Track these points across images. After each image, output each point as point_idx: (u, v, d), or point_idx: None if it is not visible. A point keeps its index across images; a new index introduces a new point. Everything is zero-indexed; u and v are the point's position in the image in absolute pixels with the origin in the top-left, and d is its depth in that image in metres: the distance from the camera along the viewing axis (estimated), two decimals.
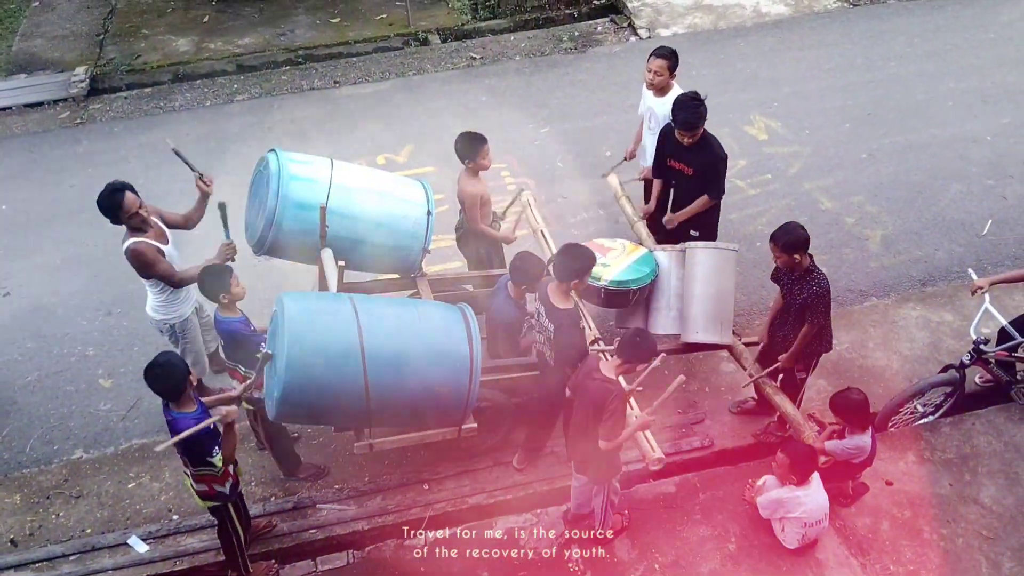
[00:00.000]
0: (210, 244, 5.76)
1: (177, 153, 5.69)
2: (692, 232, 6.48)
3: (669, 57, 6.50)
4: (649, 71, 6.57)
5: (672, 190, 6.64)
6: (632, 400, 5.23)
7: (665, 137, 6.43)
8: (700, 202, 6.39)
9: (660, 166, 6.56)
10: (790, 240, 5.28)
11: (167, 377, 4.51)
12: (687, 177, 6.37)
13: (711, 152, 6.23)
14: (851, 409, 5.25)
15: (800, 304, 5.42)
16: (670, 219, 6.54)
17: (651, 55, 6.57)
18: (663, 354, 4.90)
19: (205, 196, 5.83)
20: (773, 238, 5.34)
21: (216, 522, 5.14)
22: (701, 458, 6.13)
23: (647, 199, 7.15)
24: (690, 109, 6.03)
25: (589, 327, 5.74)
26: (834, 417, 5.38)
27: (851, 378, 6.52)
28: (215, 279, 5.22)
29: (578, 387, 4.97)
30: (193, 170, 5.76)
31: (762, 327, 5.99)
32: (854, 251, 7.73)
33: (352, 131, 9.31)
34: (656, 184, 6.71)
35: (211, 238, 5.82)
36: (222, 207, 5.63)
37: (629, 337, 4.78)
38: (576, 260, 5.15)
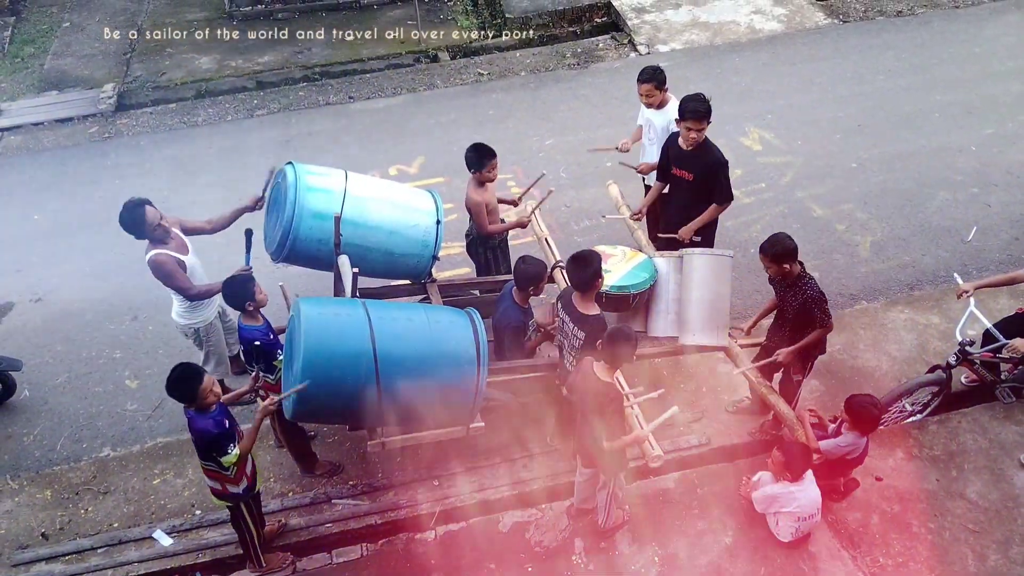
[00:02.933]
0: (231, 253, 5.78)
1: (272, 171, 5.82)
2: (693, 238, 6.44)
3: (652, 78, 6.43)
4: (641, 95, 6.54)
5: (671, 197, 6.54)
6: (633, 399, 5.23)
7: (669, 146, 6.36)
8: (710, 211, 6.29)
9: (665, 173, 6.49)
10: (778, 251, 5.25)
11: (180, 387, 4.56)
12: (687, 183, 6.28)
13: (711, 157, 6.13)
14: (863, 416, 5.18)
15: (795, 310, 5.39)
16: (683, 234, 6.37)
17: (637, 80, 6.50)
18: (662, 389, 4.87)
19: (245, 210, 5.87)
20: (762, 250, 5.31)
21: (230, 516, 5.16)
22: (699, 455, 6.10)
23: (647, 213, 7.11)
24: (699, 101, 5.95)
25: None
26: (845, 414, 5.27)
27: (842, 378, 6.50)
28: (240, 289, 5.23)
29: (576, 388, 4.95)
30: (264, 191, 5.84)
31: (750, 323, 5.97)
32: (844, 256, 7.70)
33: (366, 144, 9.33)
34: (655, 188, 6.65)
35: (232, 247, 5.84)
36: (248, 233, 5.68)
37: (608, 344, 4.71)
38: (588, 266, 5.09)
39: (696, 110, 5.93)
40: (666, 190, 6.64)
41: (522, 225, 6.46)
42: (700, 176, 6.20)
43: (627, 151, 7.09)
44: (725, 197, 6.27)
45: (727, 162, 6.19)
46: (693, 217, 6.34)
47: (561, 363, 5.48)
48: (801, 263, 5.38)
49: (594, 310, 5.17)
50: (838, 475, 5.53)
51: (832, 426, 5.48)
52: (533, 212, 6.59)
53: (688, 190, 6.32)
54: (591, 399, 4.78)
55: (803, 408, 5.50)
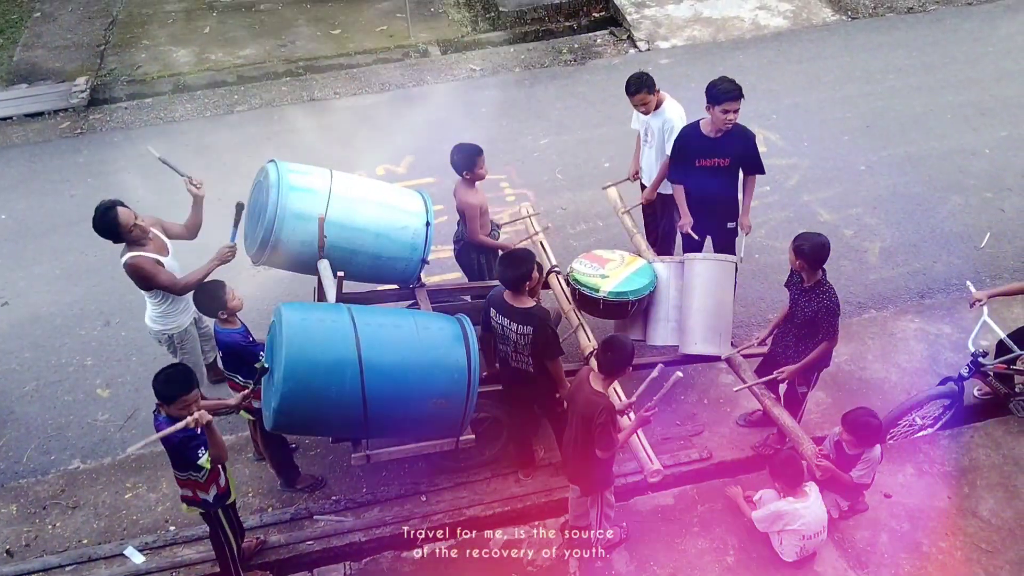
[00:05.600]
0: (213, 252, 5.77)
1: (164, 161, 5.72)
2: (728, 225, 6.49)
3: (642, 86, 6.39)
4: (636, 105, 6.51)
5: (703, 191, 6.41)
6: (631, 413, 5.23)
7: (688, 139, 6.28)
8: (751, 186, 6.39)
9: (685, 171, 6.39)
10: (820, 254, 5.24)
11: (166, 388, 4.50)
12: (723, 169, 6.24)
13: (743, 134, 6.18)
14: (865, 429, 5.16)
15: (807, 317, 5.39)
16: (747, 227, 6.45)
17: (627, 93, 6.46)
18: (679, 374, 4.71)
19: (198, 200, 5.84)
20: (798, 242, 5.27)
21: (209, 529, 5.13)
22: (699, 470, 6.11)
23: (646, 221, 7.15)
24: (730, 80, 5.96)
25: (589, 339, 5.76)
26: (847, 434, 5.25)
27: (850, 390, 6.52)
28: (210, 297, 5.24)
29: (571, 399, 4.97)
30: (181, 175, 5.76)
31: (764, 334, 5.96)
32: (852, 263, 7.74)
33: (352, 142, 9.34)
34: (679, 190, 6.51)
35: (213, 246, 5.82)
36: (239, 207, 5.67)
37: (602, 352, 4.73)
38: (520, 266, 5.13)
39: (730, 90, 5.93)
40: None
41: (507, 249, 6.45)
42: (737, 156, 6.21)
43: (637, 178, 7.11)
44: (761, 168, 6.37)
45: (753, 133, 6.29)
46: (725, 205, 6.38)
47: (516, 372, 5.44)
48: (823, 269, 5.38)
49: (531, 302, 5.23)
50: (860, 492, 5.54)
51: (826, 443, 5.49)
52: (524, 241, 6.60)
53: (725, 176, 6.29)
54: (580, 411, 4.79)
55: (806, 423, 5.49)
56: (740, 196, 6.51)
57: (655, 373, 4.69)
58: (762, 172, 6.40)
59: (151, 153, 5.91)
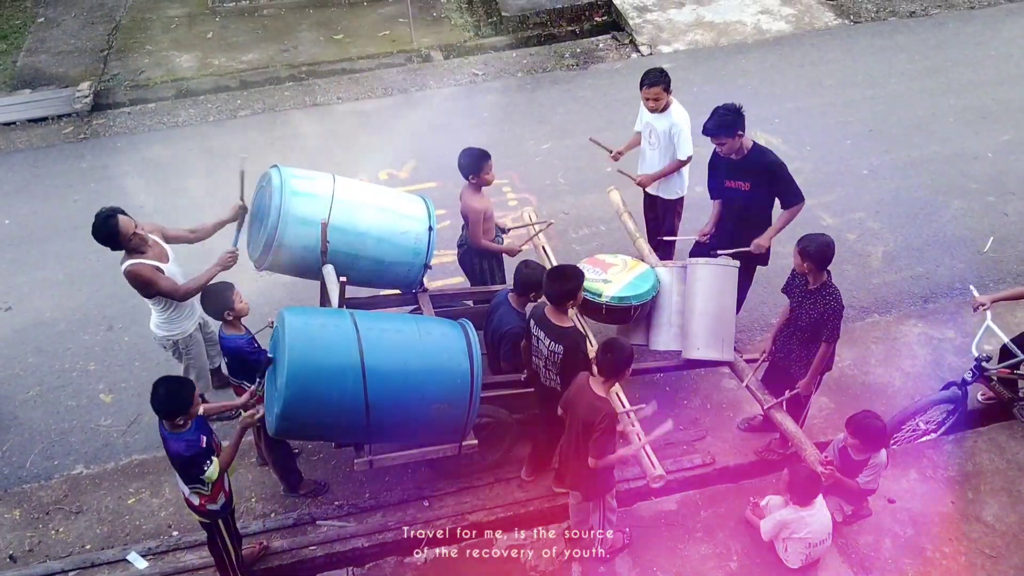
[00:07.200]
0: (213, 258, 5.78)
1: (242, 173, 5.72)
2: (721, 252, 6.39)
3: (660, 81, 6.43)
4: (647, 99, 6.52)
5: (726, 211, 6.41)
6: (633, 415, 5.23)
7: (716, 159, 6.27)
8: (786, 215, 6.22)
9: (719, 189, 6.39)
10: (826, 254, 5.19)
11: (167, 404, 4.50)
12: (745, 193, 6.19)
13: (763, 161, 6.07)
14: (870, 432, 5.13)
15: (813, 320, 5.37)
16: (759, 245, 6.24)
17: (643, 84, 6.48)
18: (654, 403, 4.91)
19: (231, 221, 5.87)
20: (803, 244, 5.23)
21: (207, 537, 5.13)
22: (703, 475, 6.09)
23: (648, 225, 7.18)
24: (718, 116, 5.90)
25: (591, 343, 5.76)
26: (852, 438, 5.22)
27: (853, 395, 6.51)
28: (217, 297, 5.24)
29: (569, 405, 4.95)
30: (242, 197, 5.81)
31: (764, 342, 5.95)
32: (855, 268, 7.73)
33: (354, 147, 9.34)
34: (715, 205, 6.52)
35: (215, 253, 5.83)
36: (243, 210, 5.71)
37: (602, 353, 4.74)
38: (567, 282, 5.12)
39: (707, 127, 5.93)
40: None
41: (512, 253, 6.45)
42: (757, 183, 6.13)
43: (617, 159, 7.09)
44: (796, 197, 6.16)
45: (783, 162, 6.12)
46: (750, 227, 6.24)
47: (542, 384, 5.45)
48: (828, 271, 5.36)
49: (569, 323, 5.22)
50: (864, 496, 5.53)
51: (830, 449, 5.48)
52: (527, 243, 6.60)
53: (744, 200, 6.22)
54: (581, 417, 4.78)
55: (809, 428, 5.47)
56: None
57: (668, 427, 4.86)
58: (793, 204, 6.18)
59: (241, 158, 5.92)
